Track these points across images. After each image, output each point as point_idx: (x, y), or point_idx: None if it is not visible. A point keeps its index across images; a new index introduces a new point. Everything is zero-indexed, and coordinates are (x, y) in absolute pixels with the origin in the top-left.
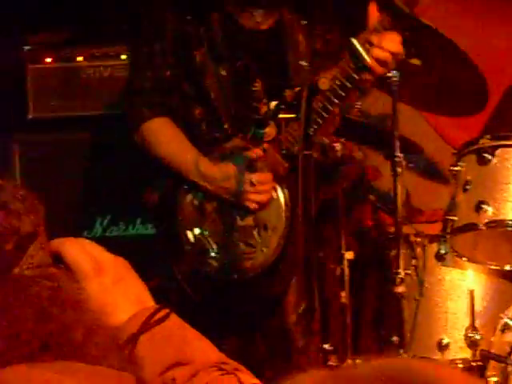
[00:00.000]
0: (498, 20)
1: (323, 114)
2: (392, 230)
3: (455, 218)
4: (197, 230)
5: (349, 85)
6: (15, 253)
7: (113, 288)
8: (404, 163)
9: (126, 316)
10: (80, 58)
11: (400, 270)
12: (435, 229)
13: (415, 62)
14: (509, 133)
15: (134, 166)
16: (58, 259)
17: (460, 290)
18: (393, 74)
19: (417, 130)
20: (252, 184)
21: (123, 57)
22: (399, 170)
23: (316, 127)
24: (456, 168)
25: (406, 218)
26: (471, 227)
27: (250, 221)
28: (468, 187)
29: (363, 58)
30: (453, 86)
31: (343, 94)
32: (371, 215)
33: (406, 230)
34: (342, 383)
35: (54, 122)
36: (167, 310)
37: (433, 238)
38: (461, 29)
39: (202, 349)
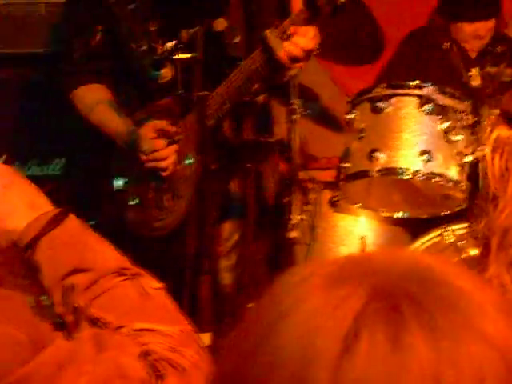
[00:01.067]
0: None
1: (232, 99)
2: (287, 176)
3: (349, 165)
4: (124, 180)
5: (255, 79)
6: None
7: (6, 191)
8: (300, 110)
9: (23, 220)
10: None
11: (293, 216)
12: (329, 176)
13: None
14: (403, 82)
15: (26, 104)
16: None
17: (352, 235)
18: None
19: (312, 78)
20: (146, 152)
21: None
22: (295, 117)
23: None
24: (350, 116)
25: (300, 165)
26: (364, 174)
27: (163, 184)
28: (362, 135)
29: (274, 51)
30: (348, 34)
31: (250, 85)
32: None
33: (300, 176)
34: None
35: None
36: (67, 213)
37: (326, 185)
38: None
39: (103, 254)
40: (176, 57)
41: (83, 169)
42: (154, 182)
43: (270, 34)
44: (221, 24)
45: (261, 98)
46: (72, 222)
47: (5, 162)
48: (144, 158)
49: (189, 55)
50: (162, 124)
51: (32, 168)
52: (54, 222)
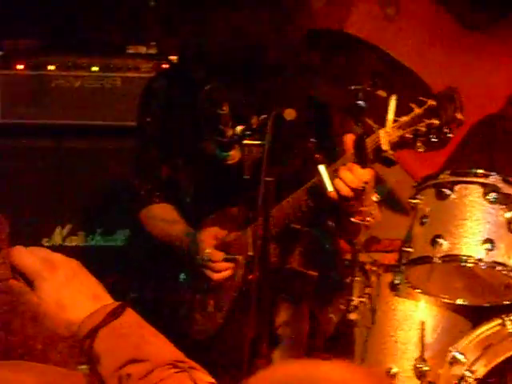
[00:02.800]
0: (467, 55)
1: (284, 223)
2: (348, 256)
3: (411, 250)
4: (184, 275)
5: (312, 204)
6: None
7: (68, 284)
8: None
9: (84, 311)
10: (52, 67)
11: (354, 298)
12: (391, 259)
13: (381, 93)
14: (468, 169)
15: (98, 177)
16: (15, 269)
17: (411, 320)
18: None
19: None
20: (204, 260)
21: (94, 68)
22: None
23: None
24: (415, 200)
25: (363, 246)
26: (426, 260)
27: (211, 289)
28: (425, 220)
29: (325, 187)
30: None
31: (306, 210)
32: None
33: (362, 257)
34: None
35: (20, 129)
36: (125, 307)
37: (388, 268)
38: (429, 61)
39: (158, 346)
40: (245, 142)
41: (147, 241)
42: (205, 285)
43: (324, 171)
44: (290, 114)
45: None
46: (130, 315)
47: (69, 232)
48: (200, 263)
49: (258, 142)
50: (223, 234)
51: (96, 238)
52: (114, 315)
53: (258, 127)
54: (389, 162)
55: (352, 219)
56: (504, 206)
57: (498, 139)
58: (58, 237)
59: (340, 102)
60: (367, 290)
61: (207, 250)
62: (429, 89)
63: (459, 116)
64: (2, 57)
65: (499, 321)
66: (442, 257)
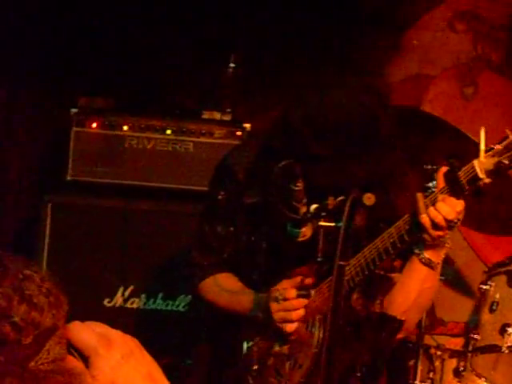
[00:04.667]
0: None
1: (367, 270)
2: (413, 338)
3: (478, 337)
4: (250, 344)
5: (398, 245)
6: (33, 347)
7: (123, 363)
8: None
9: None
10: (125, 127)
11: (417, 382)
12: (456, 343)
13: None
14: None
15: (163, 239)
16: (71, 345)
17: None
18: None
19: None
20: (277, 300)
21: (168, 131)
22: None
23: (362, 277)
24: (485, 286)
25: (428, 328)
26: (494, 349)
27: (285, 349)
28: (495, 308)
29: (419, 213)
30: (493, 204)
31: (391, 251)
32: None
33: (426, 340)
34: None
35: (90, 187)
36: None
37: (453, 354)
38: None
39: None
40: (320, 223)
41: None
42: (278, 347)
43: (420, 197)
44: (370, 199)
45: (396, 276)
46: None
47: (131, 294)
48: (275, 306)
49: (333, 224)
50: (298, 279)
51: (158, 302)
52: None
53: (334, 209)
54: (480, 193)
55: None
56: None
57: None
58: (119, 298)
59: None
60: (430, 375)
61: (280, 290)
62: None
63: None
64: (76, 114)
65: None
66: (510, 346)
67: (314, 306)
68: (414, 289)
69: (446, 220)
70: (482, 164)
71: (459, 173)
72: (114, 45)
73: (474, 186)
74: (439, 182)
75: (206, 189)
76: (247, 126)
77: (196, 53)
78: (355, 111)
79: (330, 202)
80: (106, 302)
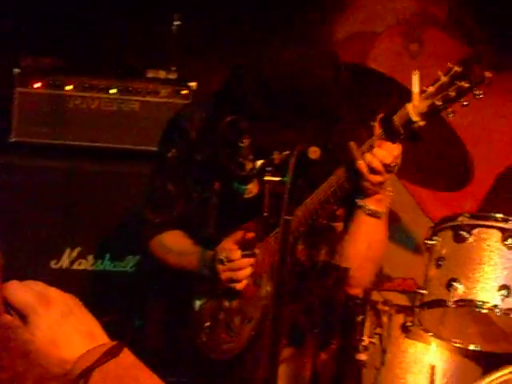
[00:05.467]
0: (493, 97)
1: (310, 220)
2: (360, 295)
3: (425, 292)
4: (202, 301)
5: (339, 193)
6: None
7: (62, 321)
8: None
9: (78, 350)
10: (69, 87)
11: (364, 338)
12: (403, 299)
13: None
14: (487, 213)
15: (110, 199)
16: (9, 304)
17: (422, 364)
18: None
19: (395, 198)
20: (223, 262)
21: (112, 91)
22: None
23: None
24: (431, 242)
25: (374, 284)
26: (440, 303)
27: (235, 305)
28: (441, 263)
29: (355, 159)
30: (438, 161)
31: (332, 201)
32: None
33: (374, 296)
34: None
35: (35, 149)
36: (122, 347)
37: (400, 309)
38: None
39: None
40: (266, 178)
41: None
42: (227, 302)
43: (354, 145)
44: (315, 153)
45: (339, 225)
46: (126, 357)
47: (78, 256)
48: (220, 267)
49: (278, 178)
50: (240, 235)
51: (105, 263)
52: (109, 355)
53: (279, 163)
54: (417, 137)
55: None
56: None
57: None
58: (66, 260)
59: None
60: (378, 330)
61: (224, 253)
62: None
63: (488, 74)
64: (19, 74)
65: (511, 369)
66: (457, 301)
67: (261, 259)
68: (363, 241)
69: (384, 164)
70: (415, 107)
71: (394, 117)
72: (58, 5)
73: (410, 130)
74: (376, 128)
75: (152, 148)
76: (193, 84)
77: (140, 12)
78: (308, 81)
79: (276, 156)
80: (52, 263)
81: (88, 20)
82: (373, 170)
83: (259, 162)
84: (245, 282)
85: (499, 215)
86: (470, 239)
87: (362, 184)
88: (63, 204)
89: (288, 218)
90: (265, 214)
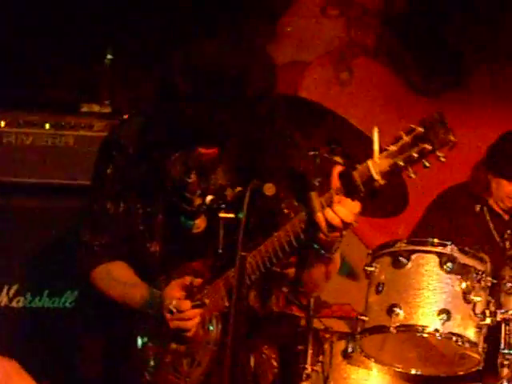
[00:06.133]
0: None
1: (263, 268)
2: (302, 322)
3: (366, 318)
4: (145, 339)
5: (295, 243)
6: None
7: None
8: None
9: None
10: (2, 123)
11: (307, 366)
12: (342, 325)
13: (338, 159)
14: (424, 238)
15: (47, 235)
16: None
17: None
18: None
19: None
20: (171, 311)
21: (47, 126)
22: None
23: (253, 280)
24: (370, 268)
25: (314, 311)
26: (382, 329)
27: (182, 348)
28: (381, 289)
29: (314, 212)
30: None
31: (288, 250)
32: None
33: (315, 324)
34: None
35: None
36: None
37: (341, 336)
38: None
39: None
40: (220, 215)
41: (96, 304)
42: (175, 345)
43: (315, 196)
44: (270, 189)
45: (292, 271)
46: None
47: (16, 293)
48: (169, 316)
49: (233, 215)
50: (188, 280)
51: (43, 300)
52: None
53: (233, 200)
54: (376, 195)
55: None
56: (460, 276)
57: (461, 207)
58: (4, 297)
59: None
60: (320, 358)
61: (174, 302)
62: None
63: (452, 138)
64: None
65: None
66: (398, 326)
67: (211, 302)
68: (319, 277)
69: (344, 222)
70: (376, 165)
71: (354, 173)
72: None
73: (370, 188)
74: (334, 181)
75: (87, 183)
76: (127, 117)
77: (73, 46)
78: (228, 64)
79: (229, 193)
80: None
81: (20, 55)
82: (332, 227)
83: (209, 198)
84: (193, 330)
85: (436, 240)
86: (409, 265)
87: (319, 236)
88: None
89: (244, 254)
90: (219, 251)
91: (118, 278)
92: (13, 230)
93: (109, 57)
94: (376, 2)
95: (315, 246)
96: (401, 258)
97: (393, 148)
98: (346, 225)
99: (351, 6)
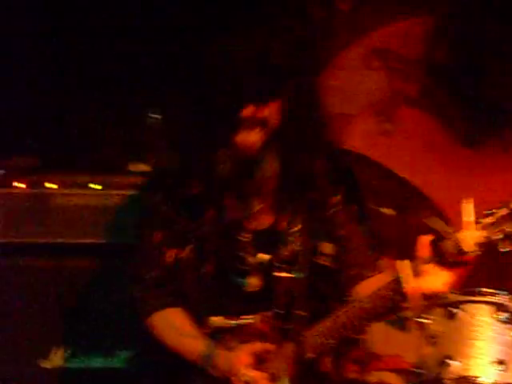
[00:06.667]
0: (462, 169)
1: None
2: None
3: (421, 371)
4: None
5: (380, 310)
6: None
7: None
8: None
9: None
10: (52, 185)
11: None
12: (393, 378)
13: (386, 211)
14: (476, 288)
15: (98, 294)
16: None
17: None
18: None
19: None
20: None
21: (95, 186)
22: None
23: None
24: (423, 320)
25: (363, 363)
26: (437, 382)
27: None
28: (434, 340)
29: (403, 282)
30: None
31: (364, 322)
32: None
33: (368, 377)
34: None
35: (20, 248)
36: None
37: None
38: (425, 174)
39: None
40: (276, 274)
41: (148, 364)
42: None
43: (407, 266)
44: (327, 248)
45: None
46: None
47: (70, 354)
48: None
49: (290, 275)
50: (258, 347)
51: (96, 360)
52: None
53: (289, 259)
54: (467, 264)
55: None
56: None
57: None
58: (56, 358)
59: None
60: None
61: (246, 373)
62: (431, 202)
63: None
64: (2, 175)
65: None
66: (453, 378)
67: (278, 366)
68: None
69: (433, 292)
70: (468, 237)
71: (442, 244)
72: (35, 106)
73: (460, 258)
74: (422, 250)
75: (137, 242)
76: None
77: (117, 106)
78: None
79: (284, 252)
80: (42, 362)
81: (68, 116)
82: (422, 296)
83: (265, 257)
84: None
85: (488, 290)
86: (461, 315)
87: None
88: (51, 302)
89: (303, 314)
90: (276, 312)
91: (175, 326)
92: (64, 290)
93: (155, 116)
94: (417, 52)
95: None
96: (452, 309)
97: (488, 220)
98: (435, 294)
99: (393, 57)
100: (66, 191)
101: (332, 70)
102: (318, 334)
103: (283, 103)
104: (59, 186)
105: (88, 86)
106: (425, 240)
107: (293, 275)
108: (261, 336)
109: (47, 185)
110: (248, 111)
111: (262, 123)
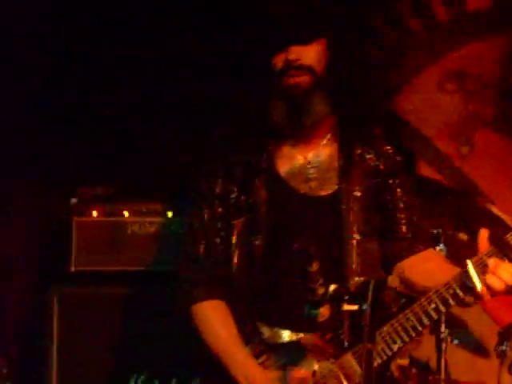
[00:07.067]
0: None
1: (411, 332)
2: None
3: None
4: None
5: (442, 309)
6: None
7: None
8: (448, 339)
9: None
10: (126, 213)
11: None
12: None
13: (463, 236)
14: None
15: (174, 322)
16: None
17: None
18: None
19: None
20: None
21: (169, 214)
22: (443, 345)
23: (401, 344)
24: (502, 347)
25: None
26: None
27: None
28: None
29: (474, 284)
30: None
31: (435, 316)
32: None
33: None
34: None
35: (95, 277)
36: None
37: None
38: (504, 197)
39: None
40: (344, 308)
41: None
42: None
43: (472, 265)
44: (394, 281)
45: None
46: None
47: (145, 380)
48: None
49: (356, 307)
50: (308, 376)
51: None
52: None
53: (356, 291)
54: None
55: None
56: None
57: None
58: None
59: None
60: None
61: None
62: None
63: None
64: (76, 203)
65: None
66: None
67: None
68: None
69: (507, 286)
70: None
71: (507, 236)
72: (109, 138)
73: None
74: (482, 245)
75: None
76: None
77: (187, 133)
78: None
79: (353, 283)
80: None
81: (140, 147)
82: (493, 292)
83: (332, 287)
84: None
85: None
86: None
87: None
88: (127, 330)
89: (370, 347)
90: (346, 345)
91: (214, 322)
92: (142, 318)
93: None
94: (493, 73)
95: None
96: None
97: None
98: (508, 288)
99: (468, 80)
100: (141, 219)
101: (406, 95)
102: (381, 341)
103: (327, 47)
104: (134, 215)
105: (157, 117)
106: (484, 233)
107: (359, 307)
108: (320, 352)
109: (124, 213)
110: (293, 54)
111: (308, 67)
